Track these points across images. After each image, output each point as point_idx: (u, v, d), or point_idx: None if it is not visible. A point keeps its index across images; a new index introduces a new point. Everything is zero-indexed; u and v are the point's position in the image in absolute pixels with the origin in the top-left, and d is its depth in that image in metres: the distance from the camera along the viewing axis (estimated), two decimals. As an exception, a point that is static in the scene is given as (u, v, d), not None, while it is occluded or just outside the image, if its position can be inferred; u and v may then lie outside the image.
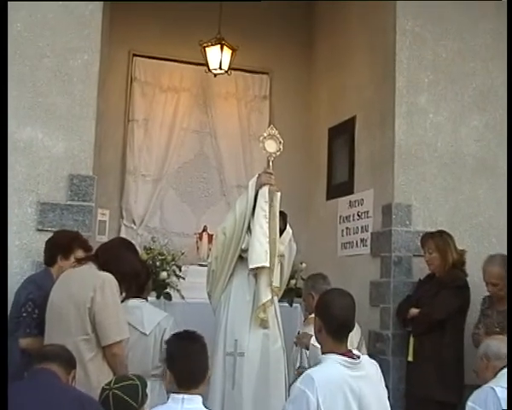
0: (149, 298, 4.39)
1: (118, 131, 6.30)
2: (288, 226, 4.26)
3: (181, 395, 2.67)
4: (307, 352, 3.90)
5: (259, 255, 3.92)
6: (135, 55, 6.39)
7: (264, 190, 4.02)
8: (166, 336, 3.30)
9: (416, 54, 5.18)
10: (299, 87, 6.76)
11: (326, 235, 6.14)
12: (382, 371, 2.94)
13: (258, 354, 3.96)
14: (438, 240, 4.62)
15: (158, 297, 5.21)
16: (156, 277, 5.24)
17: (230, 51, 6.17)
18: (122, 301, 3.50)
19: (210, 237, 5.97)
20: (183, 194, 6.48)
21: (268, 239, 3.94)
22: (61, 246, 3.82)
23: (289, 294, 5.30)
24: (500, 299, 4.37)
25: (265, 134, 4.17)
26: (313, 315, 4.16)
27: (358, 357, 2.78)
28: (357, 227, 5.59)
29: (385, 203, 5.16)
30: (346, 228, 5.79)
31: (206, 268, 5.56)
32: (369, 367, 2.84)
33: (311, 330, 4.08)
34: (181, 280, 5.41)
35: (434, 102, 5.19)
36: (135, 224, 6.22)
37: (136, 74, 6.39)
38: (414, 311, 4.59)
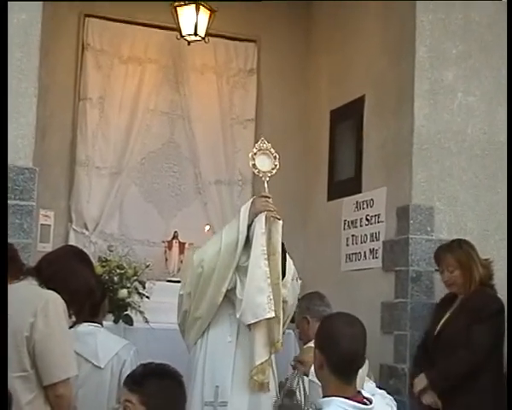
0: (105, 322, 4.38)
1: (66, 112, 6.26)
2: (288, 258, 4.23)
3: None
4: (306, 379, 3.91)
5: (259, 306, 3.89)
6: (87, 15, 6.35)
7: (261, 218, 4.00)
8: (127, 371, 3.30)
9: (441, 17, 5.18)
10: (293, 59, 6.79)
11: (327, 244, 6.17)
12: None
13: (246, 404, 3.97)
14: (459, 254, 4.62)
15: (116, 321, 5.21)
16: (114, 295, 5.23)
17: (208, 13, 6.13)
18: (71, 327, 3.44)
19: (181, 246, 6.10)
20: (149, 192, 6.47)
21: (269, 282, 3.92)
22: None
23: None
24: None
25: (255, 149, 4.19)
26: (309, 345, 4.20)
27: (370, 402, 2.75)
28: (366, 235, 5.61)
29: (400, 205, 5.17)
30: (352, 236, 5.80)
31: (176, 285, 5.62)
32: (379, 402, 2.83)
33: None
34: (145, 300, 5.41)
35: (464, 79, 5.22)
36: (87, 229, 6.20)
37: (88, 41, 6.35)
38: (420, 379, 4.49)
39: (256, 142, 6.64)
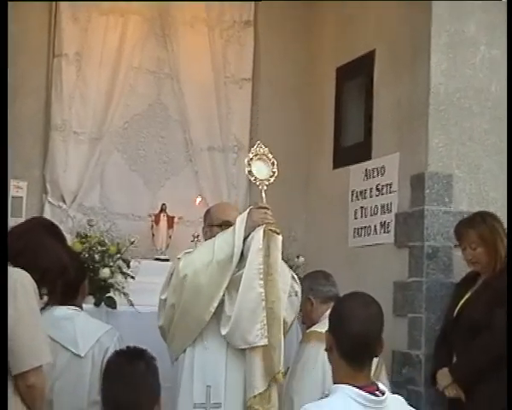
0: (85, 306, 4.38)
1: (39, 70, 6.19)
2: (284, 269, 4.19)
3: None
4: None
5: (251, 332, 3.88)
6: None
7: (259, 232, 3.97)
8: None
9: (460, -39, 5.19)
10: (295, 9, 6.72)
11: (333, 217, 6.19)
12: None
13: (240, 404, 3.96)
14: (482, 228, 4.63)
15: (97, 304, 5.21)
16: (94, 275, 5.23)
17: (198, -43, 6.13)
18: (42, 309, 3.44)
19: (170, 220, 6.09)
20: (133, 159, 6.45)
21: (264, 305, 3.89)
22: None
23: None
24: None
25: (251, 155, 4.19)
26: (313, 329, 4.23)
27: (383, 393, 2.77)
28: (377, 206, 5.64)
29: (415, 173, 5.18)
30: (361, 208, 5.82)
31: (164, 264, 5.62)
32: (394, 407, 2.83)
33: (310, 353, 4.12)
34: (129, 280, 5.41)
35: (488, 31, 5.21)
36: (64, 202, 6.14)
37: (63, -11, 6.31)
38: (444, 375, 4.54)
39: (253, 104, 6.79)
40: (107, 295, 5.27)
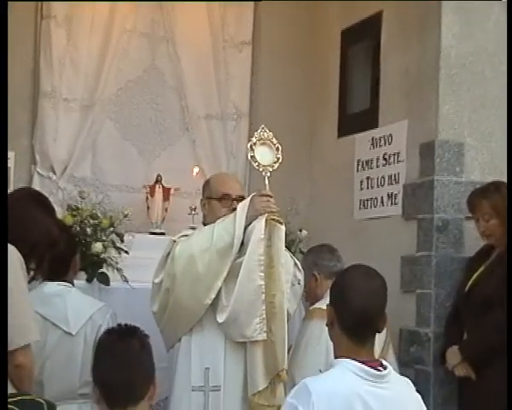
0: (77, 282, 4.43)
1: (26, 33, 6.16)
2: (287, 256, 4.20)
3: (115, 421, 2.77)
4: None
5: (249, 326, 3.91)
6: None
7: (260, 221, 3.98)
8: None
9: None
10: (297, -31, 6.69)
11: (337, 188, 6.21)
12: (419, 390, 2.96)
13: (240, 387, 3.99)
14: (496, 199, 4.64)
15: (89, 280, 5.21)
16: (86, 250, 5.23)
17: None
18: (30, 282, 3.44)
19: (166, 191, 6.07)
20: (127, 128, 6.43)
21: (264, 298, 3.91)
22: None
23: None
24: None
25: (254, 139, 4.17)
26: (317, 305, 4.24)
27: (383, 367, 2.82)
28: (384, 177, 5.65)
29: (424, 141, 5.20)
30: (367, 178, 5.84)
31: (160, 238, 5.61)
32: (400, 385, 2.87)
33: (313, 330, 4.12)
34: (123, 255, 5.42)
35: (503, -12, 5.20)
36: (54, 172, 6.13)
37: None
38: (454, 354, 4.57)
39: (253, 69, 6.75)
40: (100, 270, 5.27)
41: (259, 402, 3.91)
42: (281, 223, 4.01)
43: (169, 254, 4.12)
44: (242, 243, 4.00)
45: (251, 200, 4.07)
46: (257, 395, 3.91)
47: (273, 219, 3.99)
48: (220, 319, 3.95)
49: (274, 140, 4.19)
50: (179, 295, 4.02)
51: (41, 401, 2.79)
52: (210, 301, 3.98)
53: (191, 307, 4.03)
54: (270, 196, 4.06)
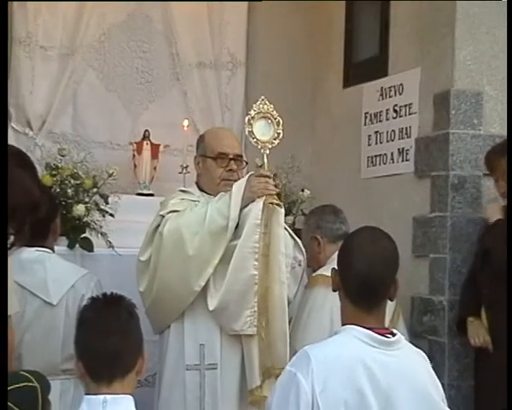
0: (57, 248, 4.42)
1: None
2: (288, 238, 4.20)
3: (101, 396, 2.74)
4: None
5: (238, 318, 3.93)
6: None
7: (258, 204, 3.97)
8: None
9: None
10: None
11: (343, 144, 6.22)
12: (433, 362, 3.01)
13: (238, 365, 4.01)
14: None
15: (71, 246, 5.24)
16: (67, 213, 5.22)
17: None
18: (9, 249, 3.37)
19: (154, 148, 6.10)
20: (111, 78, 6.43)
21: (256, 290, 3.91)
22: None
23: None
24: None
25: (252, 112, 4.14)
26: (320, 272, 4.23)
27: (393, 335, 2.82)
28: (394, 131, 5.63)
29: (439, 91, 5.18)
30: (376, 132, 5.82)
31: (148, 199, 5.60)
32: (411, 355, 2.89)
33: (316, 298, 4.12)
34: (108, 218, 5.42)
35: None
36: (31, 128, 6.17)
37: None
38: (478, 334, 4.57)
39: (250, 12, 6.69)
40: (83, 235, 5.28)
41: (261, 395, 3.92)
42: (280, 206, 3.99)
43: (157, 228, 4.11)
44: (237, 226, 3.99)
45: (247, 180, 4.05)
46: (257, 388, 3.95)
47: (271, 203, 3.97)
48: (211, 306, 3.94)
49: (274, 113, 4.15)
50: (166, 278, 4.02)
51: (33, 384, 2.80)
52: (199, 289, 3.97)
53: (180, 292, 4.03)
54: (269, 177, 4.06)
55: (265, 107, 4.15)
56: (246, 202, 4.00)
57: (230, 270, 3.90)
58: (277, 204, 3.98)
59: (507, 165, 4.75)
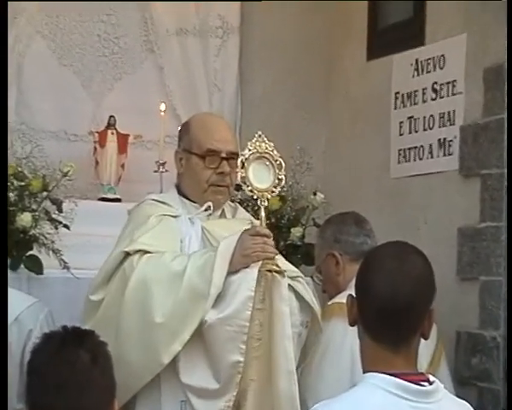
0: None
1: None
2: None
3: None
4: None
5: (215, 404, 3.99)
6: None
7: (250, 273, 4.01)
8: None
9: None
10: None
11: (366, 134, 6.33)
12: None
13: None
14: None
15: (14, 267, 5.30)
16: (9, 224, 5.19)
17: None
18: None
19: (122, 139, 6.12)
20: (65, 49, 6.50)
21: (238, 382, 3.96)
22: None
23: (290, 257, 5.19)
24: None
25: (247, 152, 4.16)
26: (337, 300, 4.19)
27: (430, 383, 2.81)
28: (433, 116, 5.73)
29: (490, 65, 5.26)
30: (409, 118, 5.93)
31: (114, 206, 5.57)
32: (452, 406, 2.90)
33: (333, 333, 4.11)
34: (63, 231, 5.48)
35: None
36: (-34, 114, 6.18)
37: None
38: None
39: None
40: (29, 253, 5.35)
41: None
42: (282, 275, 4.01)
43: (118, 267, 4.15)
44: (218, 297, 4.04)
45: (239, 238, 4.04)
46: None
47: (270, 271, 3.99)
48: (183, 379, 4.02)
49: (275, 153, 4.17)
50: (124, 347, 4.03)
51: None
52: (167, 362, 4.00)
53: (140, 366, 4.07)
54: (268, 236, 4.06)
55: (263, 145, 4.18)
56: (236, 268, 4.02)
57: (209, 349, 3.99)
58: (278, 272, 3.99)
59: (507, 164, 5.03)
